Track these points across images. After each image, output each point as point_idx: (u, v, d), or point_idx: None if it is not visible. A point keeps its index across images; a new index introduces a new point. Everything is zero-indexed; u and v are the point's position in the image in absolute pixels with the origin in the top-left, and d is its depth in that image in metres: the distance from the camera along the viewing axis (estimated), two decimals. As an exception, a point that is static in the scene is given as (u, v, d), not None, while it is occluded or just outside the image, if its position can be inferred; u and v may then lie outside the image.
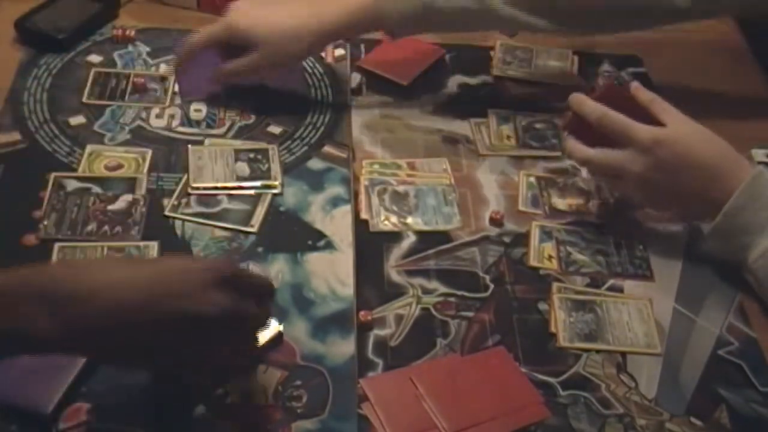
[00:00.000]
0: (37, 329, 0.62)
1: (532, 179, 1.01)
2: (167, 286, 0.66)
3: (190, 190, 0.93)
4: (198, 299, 0.66)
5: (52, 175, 0.93)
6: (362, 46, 1.15)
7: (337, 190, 0.95)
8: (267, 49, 0.99)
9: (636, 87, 0.93)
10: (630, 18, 1.03)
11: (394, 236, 0.93)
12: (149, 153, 0.97)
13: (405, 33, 1.05)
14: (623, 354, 0.84)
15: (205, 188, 0.94)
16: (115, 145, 0.98)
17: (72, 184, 0.93)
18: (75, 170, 0.94)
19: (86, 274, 0.66)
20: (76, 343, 0.65)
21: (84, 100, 1.03)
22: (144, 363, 0.70)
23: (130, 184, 0.93)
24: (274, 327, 0.80)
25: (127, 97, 1.04)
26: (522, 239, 0.94)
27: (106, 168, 0.95)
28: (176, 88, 1.06)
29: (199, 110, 1.04)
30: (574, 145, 0.93)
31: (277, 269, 0.87)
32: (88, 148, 0.97)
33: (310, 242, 0.90)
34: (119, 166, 0.96)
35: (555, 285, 0.89)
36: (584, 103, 0.92)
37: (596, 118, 0.91)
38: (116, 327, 0.64)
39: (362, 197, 0.96)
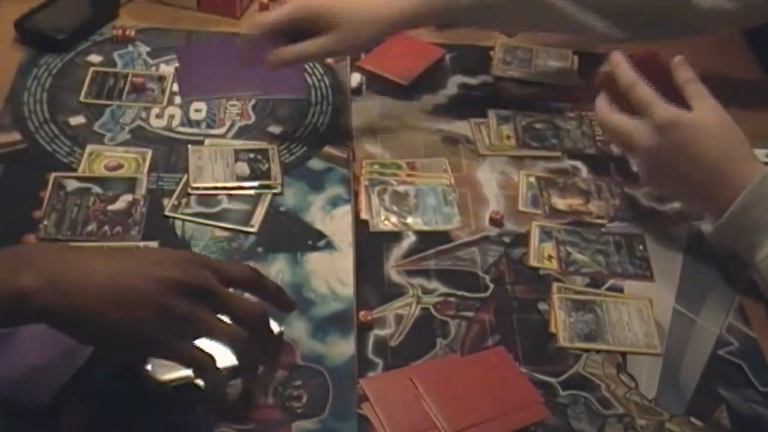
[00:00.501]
0: (31, 293, 0.63)
1: (532, 179, 1.01)
2: (154, 257, 0.71)
3: (190, 190, 0.93)
4: (185, 269, 0.68)
5: (52, 175, 0.93)
6: (362, 46, 1.15)
7: (337, 190, 0.95)
8: (343, 32, 0.95)
9: (678, 63, 0.91)
10: (689, 23, 1.03)
11: (394, 236, 0.93)
12: (149, 153, 0.97)
13: (464, 25, 1.03)
14: (623, 354, 0.84)
15: (205, 188, 0.94)
16: (115, 145, 0.98)
17: (72, 184, 0.93)
18: (75, 170, 0.94)
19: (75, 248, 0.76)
20: (69, 310, 0.65)
21: (81, 99, 1.03)
22: (131, 336, 0.67)
23: (130, 184, 0.93)
24: (274, 327, 0.80)
25: (124, 96, 1.04)
26: (522, 239, 0.94)
27: (106, 168, 0.95)
28: (176, 88, 1.06)
29: (199, 110, 1.04)
30: (601, 104, 0.93)
31: (277, 269, 0.87)
32: (88, 148, 0.97)
33: (310, 242, 0.90)
34: (119, 166, 0.95)
35: (555, 285, 0.89)
36: (620, 66, 0.91)
37: (626, 86, 0.90)
38: (106, 285, 0.65)
39: (362, 197, 0.96)
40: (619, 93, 0.92)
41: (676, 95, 0.89)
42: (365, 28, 0.96)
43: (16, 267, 0.65)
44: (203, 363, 0.70)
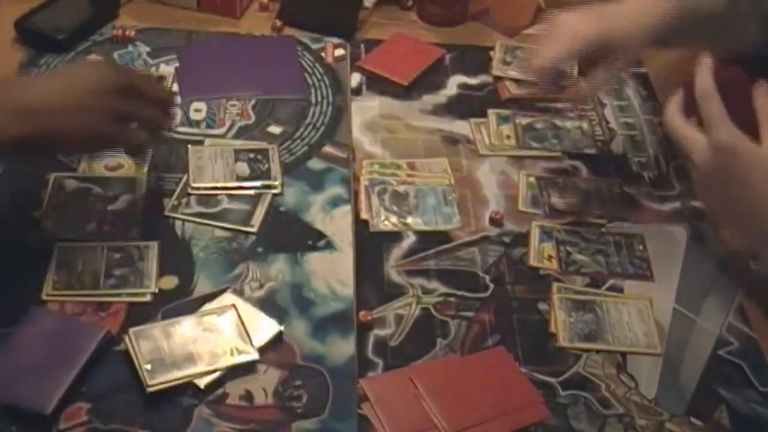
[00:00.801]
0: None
1: (532, 179, 1.01)
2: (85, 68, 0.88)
3: (190, 190, 0.93)
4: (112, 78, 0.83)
5: (52, 175, 0.93)
6: (362, 46, 1.15)
7: (337, 190, 0.95)
8: (626, 52, 0.95)
9: (760, 88, 0.85)
10: None
11: (394, 236, 0.93)
12: (149, 153, 0.97)
13: (675, 43, 1.00)
14: (623, 354, 0.84)
15: (205, 188, 0.94)
16: (115, 145, 0.98)
17: (72, 184, 0.93)
18: (75, 170, 0.94)
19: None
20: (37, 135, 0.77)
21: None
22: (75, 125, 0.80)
23: (130, 184, 0.93)
24: (274, 327, 0.81)
25: (126, 96, 1.04)
26: (522, 239, 0.94)
27: (106, 168, 0.95)
28: (176, 88, 1.06)
29: (199, 110, 1.04)
30: (672, 105, 0.88)
31: (277, 269, 0.87)
32: (88, 148, 0.97)
33: (310, 242, 0.90)
34: (119, 166, 0.95)
35: (555, 285, 0.89)
36: (702, 74, 0.86)
37: (699, 95, 0.85)
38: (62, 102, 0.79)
39: (362, 197, 0.96)
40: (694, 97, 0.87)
41: (748, 120, 0.83)
42: (640, 46, 0.96)
43: None
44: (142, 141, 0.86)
